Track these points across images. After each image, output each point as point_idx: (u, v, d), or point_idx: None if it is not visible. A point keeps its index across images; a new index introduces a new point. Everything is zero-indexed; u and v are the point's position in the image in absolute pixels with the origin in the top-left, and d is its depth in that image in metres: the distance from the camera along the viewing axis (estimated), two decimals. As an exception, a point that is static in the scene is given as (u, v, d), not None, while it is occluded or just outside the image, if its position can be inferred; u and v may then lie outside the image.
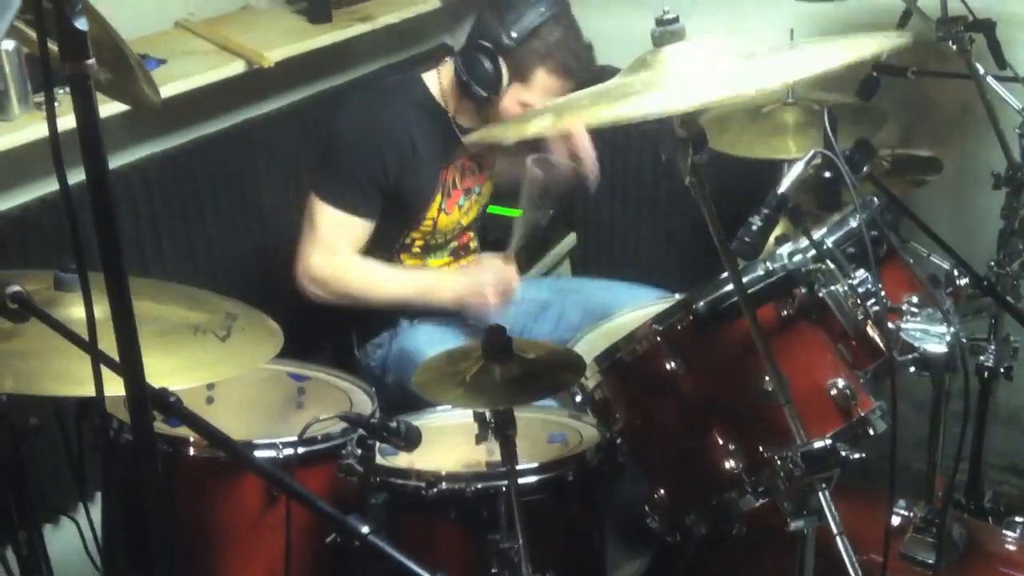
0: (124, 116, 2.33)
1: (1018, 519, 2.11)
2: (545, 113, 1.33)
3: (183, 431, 2.07)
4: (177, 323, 1.81)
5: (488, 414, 1.74)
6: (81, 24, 0.97)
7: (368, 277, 2.62)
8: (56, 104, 1.11)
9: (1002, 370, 2.43)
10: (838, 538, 1.48)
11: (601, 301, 2.75)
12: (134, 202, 2.69)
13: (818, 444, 1.49)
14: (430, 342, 2.64)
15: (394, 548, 1.24)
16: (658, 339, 1.77)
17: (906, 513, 2.03)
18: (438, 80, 2.65)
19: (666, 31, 1.43)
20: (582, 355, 1.94)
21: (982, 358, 2.43)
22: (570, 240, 3.46)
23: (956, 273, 2.02)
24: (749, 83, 1.42)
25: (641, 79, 1.45)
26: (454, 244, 2.81)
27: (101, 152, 1.02)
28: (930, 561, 1.91)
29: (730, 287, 1.73)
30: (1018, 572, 2.04)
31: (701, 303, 1.75)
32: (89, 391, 1.64)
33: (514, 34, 2.48)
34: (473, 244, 2.89)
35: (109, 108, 2.45)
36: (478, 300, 2.61)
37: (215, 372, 1.77)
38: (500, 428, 1.72)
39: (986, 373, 2.43)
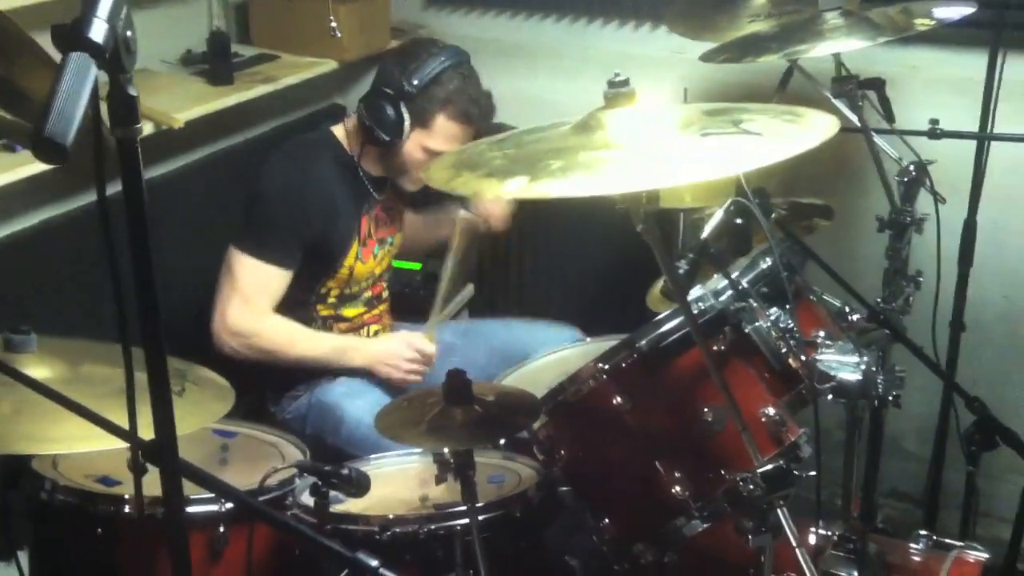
0: (30, 179, 2.36)
1: (922, 532, 2.27)
2: (519, 175, 1.39)
3: (119, 490, 2.07)
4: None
5: (448, 454, 1.81)
6: (132, 90, 1.02)
7: (285, 335, 2.67)
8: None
9: (890, 399, 2.60)
10: (797, 550, 1.59)
11: (505, 340, 2.86)
12: (40, 264, 2.67)
13: (773, 465, 1.61)
14: (349, 395, 2.70)
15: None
16: (604, 378, 1.87)
17: (823, 532, 2.17)
18: (345, 132, 2.74)
19: (618, 93, 1.54)
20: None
21: (872, 388, 2.59)
22: (468, 291, 3.50)
23: (848, 309, 2.18)
24: (717, 169, 1.53)
25: (597, 140, 1.53)
26: (368, 294, 2.87)
27: (143, 213, 1.06)
28: (854, 574, 2.06)
29: (669, 326, 1.86)
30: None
31: (643, 342, 1.86)
32: (55, 449, 1.66)
33: (415, 81, 2.60)
34: (385, 294, 2.96)
35: (23, 171, 2.47)
36: (387, 372, 2.70)
37: (180, 427, 1.79)
38: (460, 468, 1.80)
39: (876, 402, 2.59)
